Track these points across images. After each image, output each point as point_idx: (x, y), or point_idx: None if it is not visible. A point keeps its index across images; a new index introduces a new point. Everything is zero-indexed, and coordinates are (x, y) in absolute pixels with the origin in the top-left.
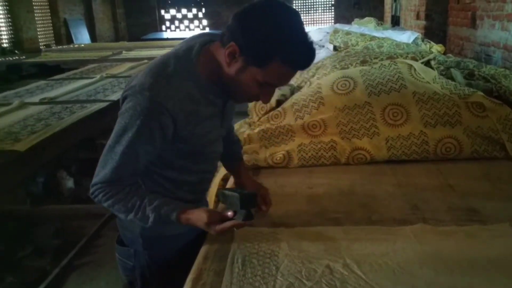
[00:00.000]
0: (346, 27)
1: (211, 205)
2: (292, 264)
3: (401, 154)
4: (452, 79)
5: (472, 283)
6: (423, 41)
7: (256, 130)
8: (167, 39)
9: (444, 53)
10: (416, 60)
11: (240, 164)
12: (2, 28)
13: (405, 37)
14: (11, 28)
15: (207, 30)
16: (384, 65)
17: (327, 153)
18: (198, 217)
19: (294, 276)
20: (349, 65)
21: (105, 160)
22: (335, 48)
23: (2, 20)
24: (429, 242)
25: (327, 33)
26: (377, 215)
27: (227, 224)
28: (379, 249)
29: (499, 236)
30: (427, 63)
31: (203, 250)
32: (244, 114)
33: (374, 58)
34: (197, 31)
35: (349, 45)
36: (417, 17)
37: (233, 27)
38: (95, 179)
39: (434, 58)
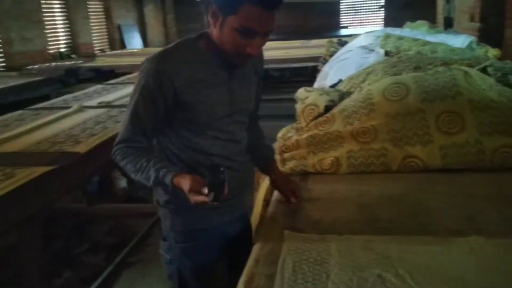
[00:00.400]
0: (397, 31)
1: (258, 210)
2: (343, 272)
3: (456, 163)
4: (510, 86)
5: None
6: (478, 45)
7: (304, 136)
8: None
9: (501, 58)
10: (472, 67)
11: (272, 165)
12: (60, 34)
13: (459, 41)
14: (68, 33)
15: None
16: (439, 71)
17: (377, 160)
18: (185, 182)
19: (345, 285)
20: (402, 71)
21: (122, 123)
22: (386, 53)
23: (61, 26)
24: (485, 255)
25: (378, 37)
26: (429, 225)
27: (199, 198)
28: (433, 261)
29: None
30: (484, 70)
31: (253, 253)
32: (292, 118)
33: (428, 64)
34: None
35: (401, 50)
36: (472, 19)
37: None
38: (115, 141)
39: (490, 65)
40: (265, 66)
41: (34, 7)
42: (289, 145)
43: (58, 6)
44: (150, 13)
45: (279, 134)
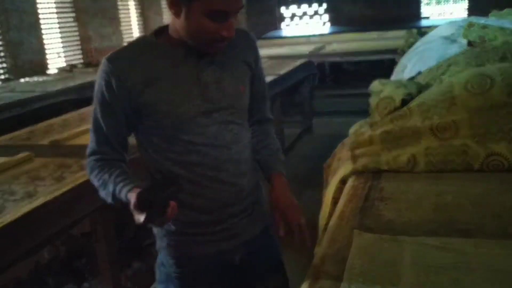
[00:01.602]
0: (482, 20)
1: (326, 209)
2: (415, 275)
3: None
4: None
5: None
6: None
7: (378, 131)
8: (286, 37)
9: None
10: None
11: (275, 176)
12: (134, 30)
13: None
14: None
15: (327, 26)
16: None
17: (458, 158)
18: (132, 198)
19: (418, 287)
20: (486, 62)
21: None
22: (469, 44)
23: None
24: None
25: (460, 26)
26: None
27: (137, 218)
28: None
29: None
30: None
31: (319, 252)
32: (365, 114)
33: None
34: (318, 28)
35: (486, 39)
36: None
37: None
38: (87, 155)
39: None
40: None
41: (110, 4)
42: (361, 141)
43: (133, 2)
44: None
45: (351, 130)
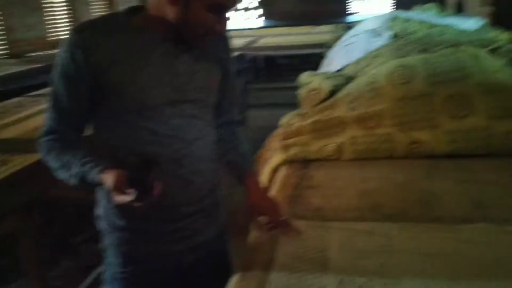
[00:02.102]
0: (405, 14)
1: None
2: (343, 259)
3: (464, 148)
4: None
5: None
6: (490, 28)
7: (308, 122)
8: None
9: None
10: (482, 48)
11: (249, 177)
12: (60, 21)
13: (471, 24)
14: (70, 20)
15: (261, 20)
16: (446, 53)
17: (381, 146)
18: (109, 178)
19: (345, 272)
20: (408, 54)
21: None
22: (393, 36)
23: (61, 13)
24: (492, 243)
25: (385, 20)
26: (435, 212)
27: (120, 198)
28: (438, 249)
29: None
30: (494, 52)
31: (251, 241)
32: (293, 106)
33: (435, 46)
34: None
35: (408, 32)
36: (483, 2)
37: None
38: (40, 134)
39: (501, 47)
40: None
41: None
42: (291, 131)
43: None
44: None
45: (283, 121)
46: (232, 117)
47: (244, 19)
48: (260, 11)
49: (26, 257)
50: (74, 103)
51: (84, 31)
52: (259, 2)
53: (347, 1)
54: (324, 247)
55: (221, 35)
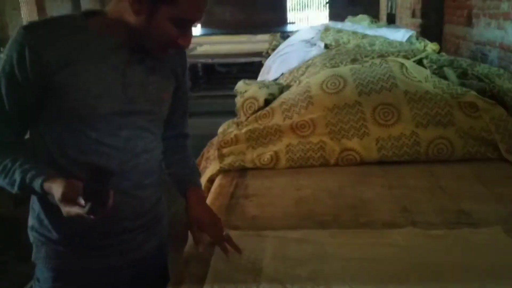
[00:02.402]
0: (338, 25)
1: None
2: (275, 268)
3: (392, 155)
4: (446, 78)
5: None
6: (417, 39)
7: (244, 130)
8: None
9: (439, 52)
10: (408, 59)
11: (192, 190)
12: None
13: (400, 35)
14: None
15: (198, 28)
16: (375, 63)
17: (316, 154)
18: (57, 188)
19: (278, 281)
20: (339, 64)
21: None
22: (326, 46)
23: None
24: (419, 247)
25: (319, 31)
26: (365, 217)
27: (72, 210)
28: (367, 254)
29: (490, 240)
30: (420, 62)
31: (185, 253)
32: (232, 114)
33: (365, 57)
34: None
35: (341, 43)
36: (413, 15)
37: None
38: None
39: (426, 57)
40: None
41: None
42: (228, 140)
43: None
44: (87, 4)
45: (220, 129)
46: (182, 130)
47: None
48: None
49: None
50: (16, 104)
51: (36, 29)
52: None
53: (284, 11)
54: (258, 256)
55: (180, 49)
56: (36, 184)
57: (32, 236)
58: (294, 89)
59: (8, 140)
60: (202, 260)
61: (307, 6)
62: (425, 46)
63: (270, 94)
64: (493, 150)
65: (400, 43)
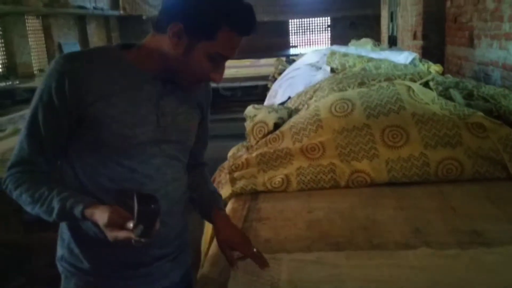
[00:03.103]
0: (343, 49)
1: (208, 231)
2: None
3: (402, 176)
4: (451, 99)
5: None
6: (421, 61)
7: (254, 154)
8: None
9: (442, 73)
10: (415, 81)
11: (218, 213)
12: None
13: (403, 57)
14: (4, 53)
15: None
16: (382, 86)
17: (326, 176)
18: (101, 214)
19: None
20: (347, 87)
21: (18, 140)
22: (332, 70)
23: None
24: (433, 268)
25: (324, 55)
26: (378, 239)
27: (121, 234)
28: (382, 276)
29: (504, 260)
30: (426, 84)
31: (200, 276)
32: (242, 137)
33: (372, 80)
34: None
35: (347, 67)
36: (414, 37)
37: (169, 10)
38: (8, 165)
39: (432, 79)
40: (217, 85)
41: None
42: (239, 164)
43: None
44: (94, 31)
45: (230, 153)
46: (201, 158)
47: None
48: None
49: None
50: (52, 134)
51: (74, 60)
52: None
53: (287, 35)
54: (274, 279)
55: (206, 83)
56: (77, 211)
57: (61, 266)
58: (303, 113)
59: (42, 169)
60: (220, 282)
61: (309, 29)
62: (428, 68)
63: (279, 118)
64: (502, 170)
65: (405, 65)
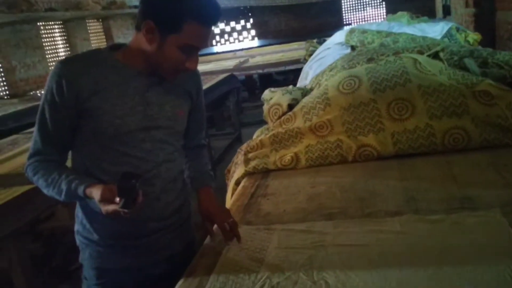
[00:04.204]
0: (373, 26)
1: (229, 195)
2: (277, 257)
3: (408, 148)
4: (467, 69)
5: (451, 271)
6: (458, 30)
7: (268, 135)
8: (217, 53)
9: (481, 42)
10: (422, 53)
11: (202, 189)
12: (61, 55)
13: (438, 28)
14: (70, 55)
15: (256, 40)
16: (389, 61)
17: (333, 152)
18: (96, 192)
19: (277, 267)
20: (356, 64)
21: (33, 135)
22: (353, 48)
23: (62, 50)
24: (414, 232)
25: (344, 34)
26: (371, 208)
27: (110, 207)
28: (362, 241)
29: (485, 222)
30: (436, 56)
31: (203, 246)
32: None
33: (381, 55)
34: (247, 42)
35: (365, 43)
36: (466, 5)
37: (142, 9)
38: (27, 157)
39: (442, 50)
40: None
41: (33, 33)
42: (253, 145)
43: (58, 30)
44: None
45: (254, 136)
46: (199, 141)
47: (239, 41)
48: (253, 32)
49: (18, 285)
50: (58, 127)
51: (69, 63)
52: (252, 23)
53: (340, 14)
54: (263, 247)
55: (193, 72)
56: (80, 191)
57: (78, 240)
58: (314, 93)
59: (53, 158)
60: (216, 253)
61: (363, 5)
62: (466, 37)
63: (293, 99)
64: (511, 136)
65: (423, 38)
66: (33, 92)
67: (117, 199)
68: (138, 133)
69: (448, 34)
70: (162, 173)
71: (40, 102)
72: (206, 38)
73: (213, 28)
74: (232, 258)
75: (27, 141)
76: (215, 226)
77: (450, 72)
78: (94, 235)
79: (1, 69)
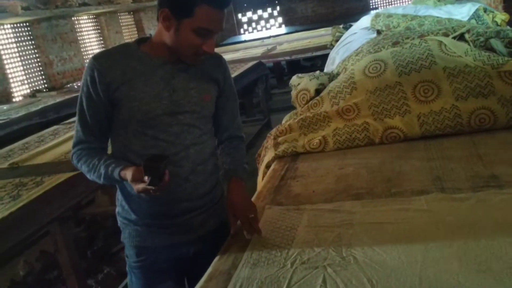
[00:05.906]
0: (399, 9)
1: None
2: (307, 235)
3: (435, 129)
4: (493, 50)
5: (476, 247)
6: (485, 11)
7: (297, 120)
8: (245, 41)
9: (509, 22)
10: (447, 36)
11: (233, 181)
12: (95, 48)
13: (465, 9)
14: (103, 48)
15: (283, 27)
16: (415, 44)
17: (360, 134)
18: (128, 173)
19: (307, 244)
20: (382, 48)
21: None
22: (378, 32)
23: (95, 42)
24: (440, 209)
25: (369, 18)
26: (397, 188)
27: (140, 186)
28: (389, 218)
29: (511, 199)
30: (462, 37)
31: (235, 228)
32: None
33: (406, 39)
34: (274, 30)
35: (391, 27)
36: None
37: (159, 0)
38: (72, 146)
39: (468, 31)
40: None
41: (68, 28)
42: (282, 130)
43: (91, 24)
44: None
45: (283, 121)
46: (234, 133)
47: (266, 29)
48: (280, 19)
49: (65, 266)
50: (95, 117)
51: (100, 57)
52: (279, 11)
53: None
54: (293, 226)
55: (219, 61)
56: (116, 173)
57: (119, 220)
58: (340, 77)
59: (94, 146)
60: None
61: None
62: (493, 18)
63: (320, 84)
64: None
65: (449, 20)
66: (70, 84)
67: (146, 177)
68: (165, 117)
69: (475, 15)
70: (191, 155)
71: (78, 95)
72: (219, 21)
73: (225, 11)
74: (264, 237)
75: (67, 131)
76: (239, 221)
77: (476, 53)
78: (132, 215)
79: (40, 63)
